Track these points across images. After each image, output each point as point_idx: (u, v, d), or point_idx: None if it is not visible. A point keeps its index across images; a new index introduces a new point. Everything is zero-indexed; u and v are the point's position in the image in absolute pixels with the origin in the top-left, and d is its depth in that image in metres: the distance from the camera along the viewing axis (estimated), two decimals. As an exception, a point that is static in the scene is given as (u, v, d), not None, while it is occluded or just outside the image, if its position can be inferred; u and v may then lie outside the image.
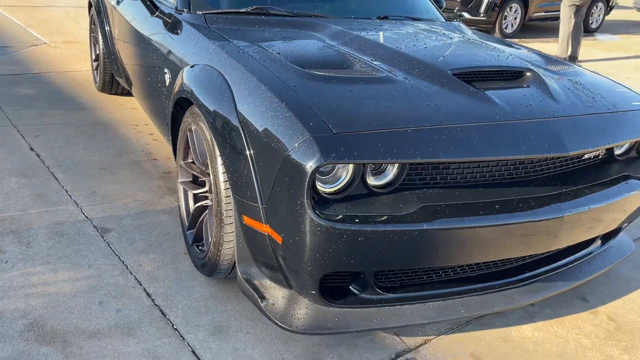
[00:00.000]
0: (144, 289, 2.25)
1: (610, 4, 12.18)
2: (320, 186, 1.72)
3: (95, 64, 4.79)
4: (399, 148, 1.67)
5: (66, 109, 4.37)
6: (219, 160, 1.99)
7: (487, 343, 2.13)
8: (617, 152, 2.30)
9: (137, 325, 2.05)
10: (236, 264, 2.03)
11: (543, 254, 2.24)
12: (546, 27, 11.69)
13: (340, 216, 1.67)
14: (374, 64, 2.13)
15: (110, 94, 4.75)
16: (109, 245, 2.54)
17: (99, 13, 4.37)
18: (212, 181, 2.07)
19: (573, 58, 8.28)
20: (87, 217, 2.76)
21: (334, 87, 1.91)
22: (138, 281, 2.30)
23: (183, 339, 2.00)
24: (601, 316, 2.36)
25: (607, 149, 2.24)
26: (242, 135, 1.86)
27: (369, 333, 2.11)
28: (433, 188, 1.84)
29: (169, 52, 2.70)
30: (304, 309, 1.91)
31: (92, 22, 4.79)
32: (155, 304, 2.17)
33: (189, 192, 2.45)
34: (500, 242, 1.84)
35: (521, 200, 1.87)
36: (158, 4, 3.01)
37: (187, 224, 2.45)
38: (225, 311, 2.17)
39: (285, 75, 1.95)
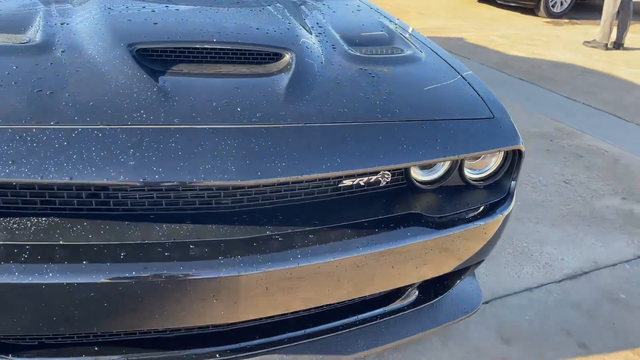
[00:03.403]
0: None
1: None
2: None
3: None
4: None
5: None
6: None
7: None
8: (422, 177, 1.58)
9: None
10: None
11: (298, 315, 1.59)
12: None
13: None
14: (53, 28, 1.52)
15: None
16: None
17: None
18: None
19: (618, 45, 7.10)
20: None
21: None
22: None
23: None
24: (388, 405, 1.68)
25: (398, 170, 1.53)
26: None
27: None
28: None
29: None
30: None
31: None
32: None
33: None
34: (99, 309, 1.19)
35: (161, 246, 1.23)
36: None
37: None
38: None
39: None
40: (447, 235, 1.49)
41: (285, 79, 1.44)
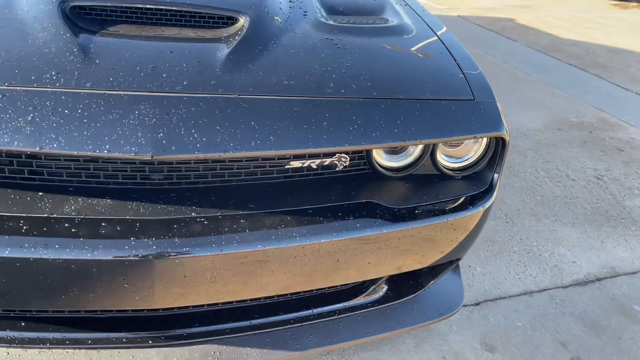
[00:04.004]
0: None
1: None
2: None
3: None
4: None
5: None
6: None
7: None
8: (387, 163, 1.42)
9: None
10: None
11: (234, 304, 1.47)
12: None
13: None
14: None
15: None
16: None
17: None
18: None
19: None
20: None
21: None
22: None
23: None
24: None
25: (358, 154, 1.37)
26: None
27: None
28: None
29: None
30: None
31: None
32: None
33: None
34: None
35: (75, 222, 1.13)
36: None
37: None
38: None
39: None
40: (407, 229, 1.32)
41: (230, 45, 1.30)
